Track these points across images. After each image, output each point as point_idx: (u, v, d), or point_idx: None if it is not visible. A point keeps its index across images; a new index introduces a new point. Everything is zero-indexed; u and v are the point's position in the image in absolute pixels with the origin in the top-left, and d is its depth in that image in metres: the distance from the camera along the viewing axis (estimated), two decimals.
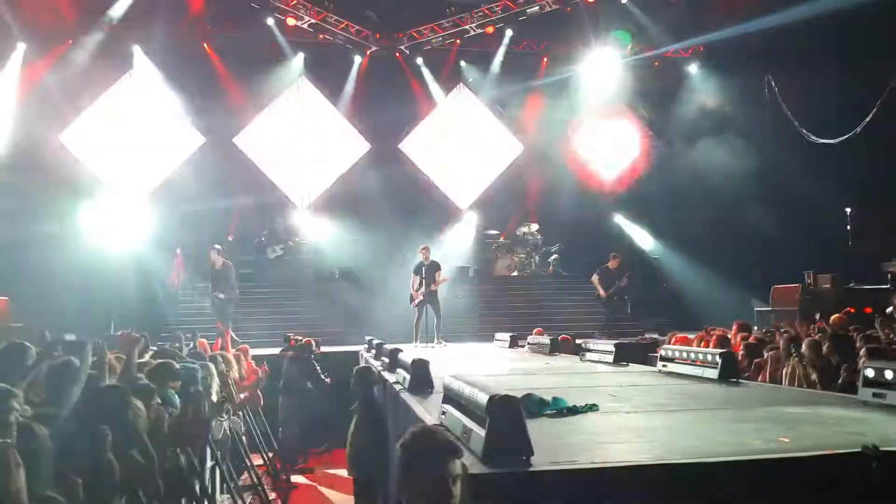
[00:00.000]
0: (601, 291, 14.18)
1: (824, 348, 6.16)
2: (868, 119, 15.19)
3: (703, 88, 19.28)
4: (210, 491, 6.26)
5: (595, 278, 14.32)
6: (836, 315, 9.21)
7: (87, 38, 16.51)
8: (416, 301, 12.64)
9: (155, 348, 7.79)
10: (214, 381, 6.22)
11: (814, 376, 6.11)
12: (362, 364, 8.33)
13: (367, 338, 10.44)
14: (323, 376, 9.94)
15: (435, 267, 12.76)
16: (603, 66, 19.18)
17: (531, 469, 2.46)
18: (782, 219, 16.39)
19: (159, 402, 4.63)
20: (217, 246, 13.15)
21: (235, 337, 12.47)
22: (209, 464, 6.36)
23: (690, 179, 17.99)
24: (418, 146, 19.61)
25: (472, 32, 18.23)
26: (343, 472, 7.60)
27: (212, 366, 6.37)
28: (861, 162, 14.94)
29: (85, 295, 14.33)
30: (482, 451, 2.53)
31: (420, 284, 12.62)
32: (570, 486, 2.44)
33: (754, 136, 18.32)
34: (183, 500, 5.26)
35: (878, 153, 14.58)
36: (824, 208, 15.15)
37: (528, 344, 9.93)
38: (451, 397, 3.40)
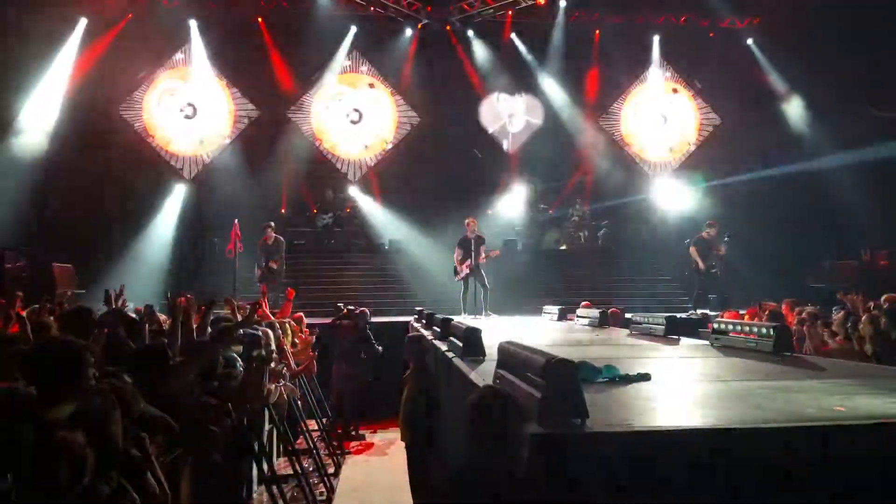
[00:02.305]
0: (700, 263, 13.22)
1: (882, 323, 6.07)
2: None
3: (759, 59, 18.83)
4: (268, 452, 6.49)
5: (693, 249, 13.42)
6: (888, 294, 8.99)
7: (144, 12, 16.86)
8: (462, 274, 12.70)
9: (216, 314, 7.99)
10: (273, 347, 6.41)
11: (870, 351, 6.04)
12: (412, 333, 8.46)
13: (417, 308, 10.57)
14: (375, 345, 10.10)
15: (480, 241, 12.76)
16: (656, 38, 18.89)
17: (587, 430, 2.51)
18: (840, 194, 16.01)
19: (222, 364, 4.80)
20: (271, 223, 13.83)
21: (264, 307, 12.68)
22: (267, 427, 6.58)
23: (744, 154, 17.62)
24: (467, 119, 19.54)
25: (524, 4, 18.03)
26: (396, 439, 7.78)
27: (270, 332, 6.57)
28: None
29: (145, 264, 14.81)
30: (538, 412, 2.57)
31: (465, 257, 12.67)
32: (626, 448, 2.49)
33: (812, 109, 17.88)
34: (244, 462, 5.49)
35: None
36: (884, 182, 14.76)
37: (577, 317, 9.92)
38: (505, 362, 3.47)
